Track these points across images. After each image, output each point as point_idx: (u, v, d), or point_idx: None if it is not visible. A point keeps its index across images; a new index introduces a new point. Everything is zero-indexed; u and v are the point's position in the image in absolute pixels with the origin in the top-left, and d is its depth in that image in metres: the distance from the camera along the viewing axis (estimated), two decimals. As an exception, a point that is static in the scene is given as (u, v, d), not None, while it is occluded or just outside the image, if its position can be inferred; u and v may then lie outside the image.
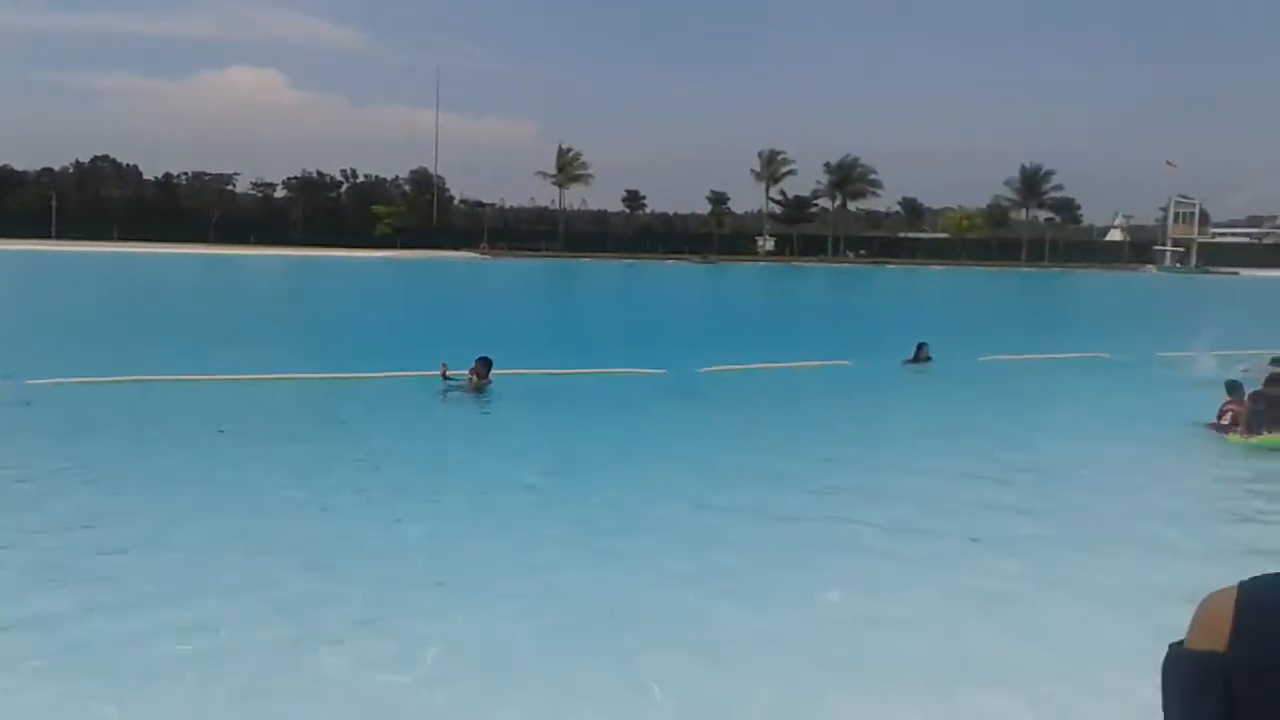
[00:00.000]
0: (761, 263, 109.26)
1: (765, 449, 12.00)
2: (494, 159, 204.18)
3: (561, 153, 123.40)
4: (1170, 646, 1.67)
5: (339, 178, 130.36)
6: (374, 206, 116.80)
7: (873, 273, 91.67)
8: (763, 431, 13.33)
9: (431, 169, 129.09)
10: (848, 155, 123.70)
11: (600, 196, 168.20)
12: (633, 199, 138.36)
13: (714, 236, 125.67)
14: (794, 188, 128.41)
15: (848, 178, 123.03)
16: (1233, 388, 13.06)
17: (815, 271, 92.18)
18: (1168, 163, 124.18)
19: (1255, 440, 11.71)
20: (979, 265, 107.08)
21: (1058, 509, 9.36)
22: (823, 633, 6.32)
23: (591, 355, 20.67)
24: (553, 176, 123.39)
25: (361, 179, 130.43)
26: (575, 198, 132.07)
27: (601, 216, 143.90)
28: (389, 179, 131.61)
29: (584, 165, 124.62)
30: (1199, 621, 1.63)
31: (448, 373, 15.06)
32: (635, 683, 5.47)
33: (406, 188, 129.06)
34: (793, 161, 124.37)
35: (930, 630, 6.31)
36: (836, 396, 16.79)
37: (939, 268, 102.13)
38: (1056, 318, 42.48)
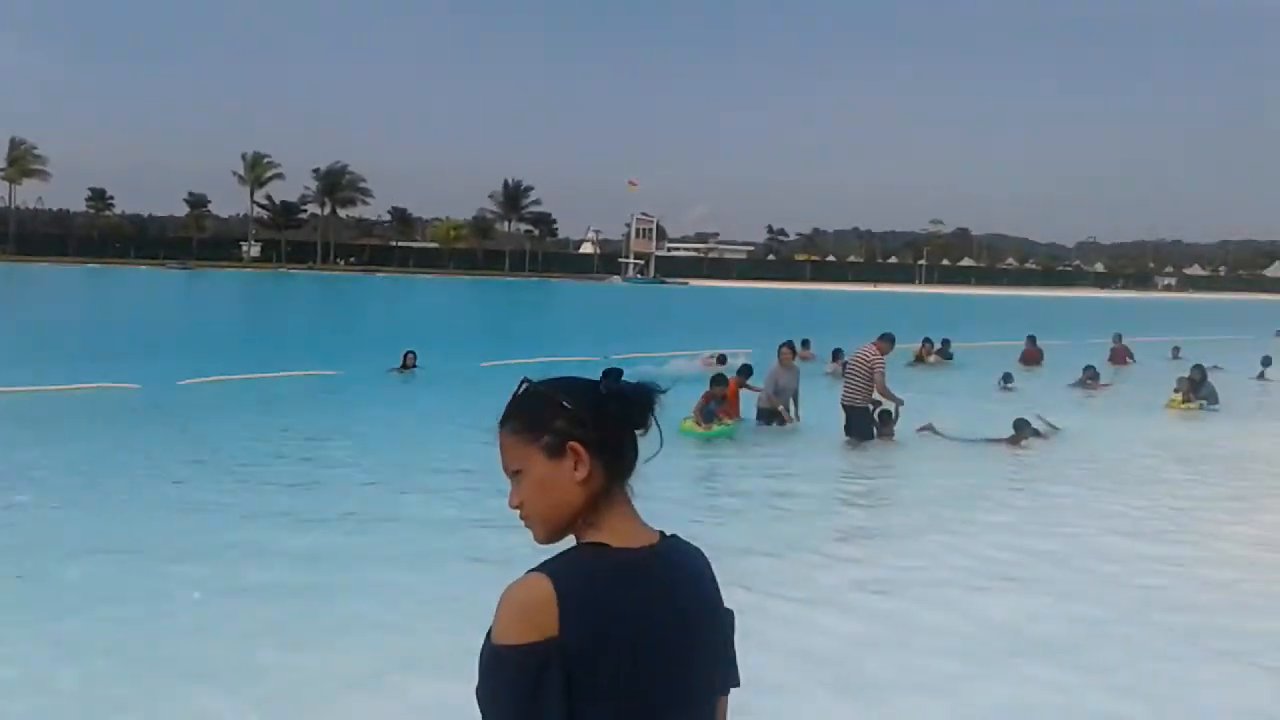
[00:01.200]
0: (248, 269, 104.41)
1: (230, 466, 11.37)
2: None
3: (13, 144, 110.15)
4: (486, 645, 1.61)
5: None
6: None
7: (363, 281, 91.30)
8: (238, 446, 12.79)
9: None
10: (336, 162, 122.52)
11: (60, 195, 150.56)
12: (98, 198, 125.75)
13: (193, 241, 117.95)
14: (282, 193, 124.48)
15: (337, 185, 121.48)
16: (717, 380, 14.95)
17: (304, 279, 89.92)
18: (630, 182, 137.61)
19: (699, 431, 13.60)
20: (466, 275, 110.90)
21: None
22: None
23: (50, 370, 18.53)
24: (1, 171, 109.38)
25: None
26: (29, 195, 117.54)
27: (62, 217, 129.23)
28: None
29: (39, 159, 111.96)
30: (517, 614, 1.59)
31: None
32: None
33: None
34: (279, 165, 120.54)
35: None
36: (319, 407, 16.73)
37: (428, 276, 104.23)
38: (547, 324, 45.09)
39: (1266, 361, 24.73)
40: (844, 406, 14.06)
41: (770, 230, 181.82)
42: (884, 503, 11.05)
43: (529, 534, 1.75)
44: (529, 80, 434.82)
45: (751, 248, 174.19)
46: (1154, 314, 60.40)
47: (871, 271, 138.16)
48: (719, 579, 1.81)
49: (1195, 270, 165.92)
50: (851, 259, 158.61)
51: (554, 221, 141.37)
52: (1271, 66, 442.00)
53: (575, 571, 1.64)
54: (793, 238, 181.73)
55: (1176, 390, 18.63)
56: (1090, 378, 21.67)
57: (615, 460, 1.72)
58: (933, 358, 25.80)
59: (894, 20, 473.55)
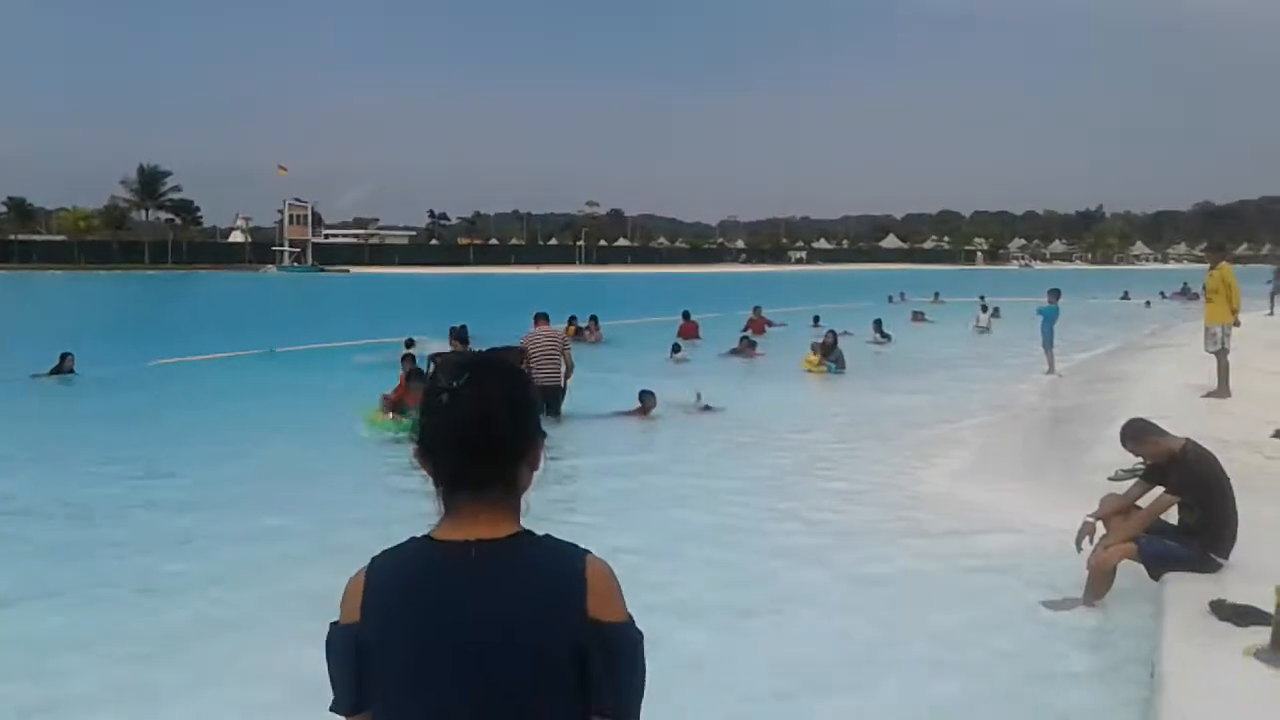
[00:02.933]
0: None
1: None
2: None
3: None
4: (330, 624, 1.78)
5: None
6: None
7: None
8: None
9: None
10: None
11: None
12: None
13: None
14: None
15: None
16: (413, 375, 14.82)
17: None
18: (280, 166, 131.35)
19: (381, 422, 13.41)
20: (101, 269, 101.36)
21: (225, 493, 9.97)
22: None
23: None
24: None
25: None
26: None
27: None
28: None
29: None
30: (344, 597, 1.77)
31: None
32: None
33: None
34: None
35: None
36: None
37: (59, 272, 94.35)
38: (202, 317, 42.27)
39: (878, 325, 28.09)
40: (541, 387, 14.68)
41: (432, 214, 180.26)
42: (595, 473, 11.63)
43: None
44: (163, 57, 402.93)
45: (414, 232, 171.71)
46: (789, 285, 65.90)
47: (534, 254, 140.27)
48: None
49: (822, 244, 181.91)
50: (514, 242, 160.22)
51: (198, 209, 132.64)
52: (898, 58, 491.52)
53: (388, 561, 1.77)
54: (455, 221, 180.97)
55: (814, 353, 20.85)
56: (748, 346, 23.80)
57: (458, 455, 1.75)
58: (595, 334, 27.07)
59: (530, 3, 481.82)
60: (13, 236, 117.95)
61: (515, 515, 1.78)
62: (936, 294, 47.15)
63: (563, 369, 14.69)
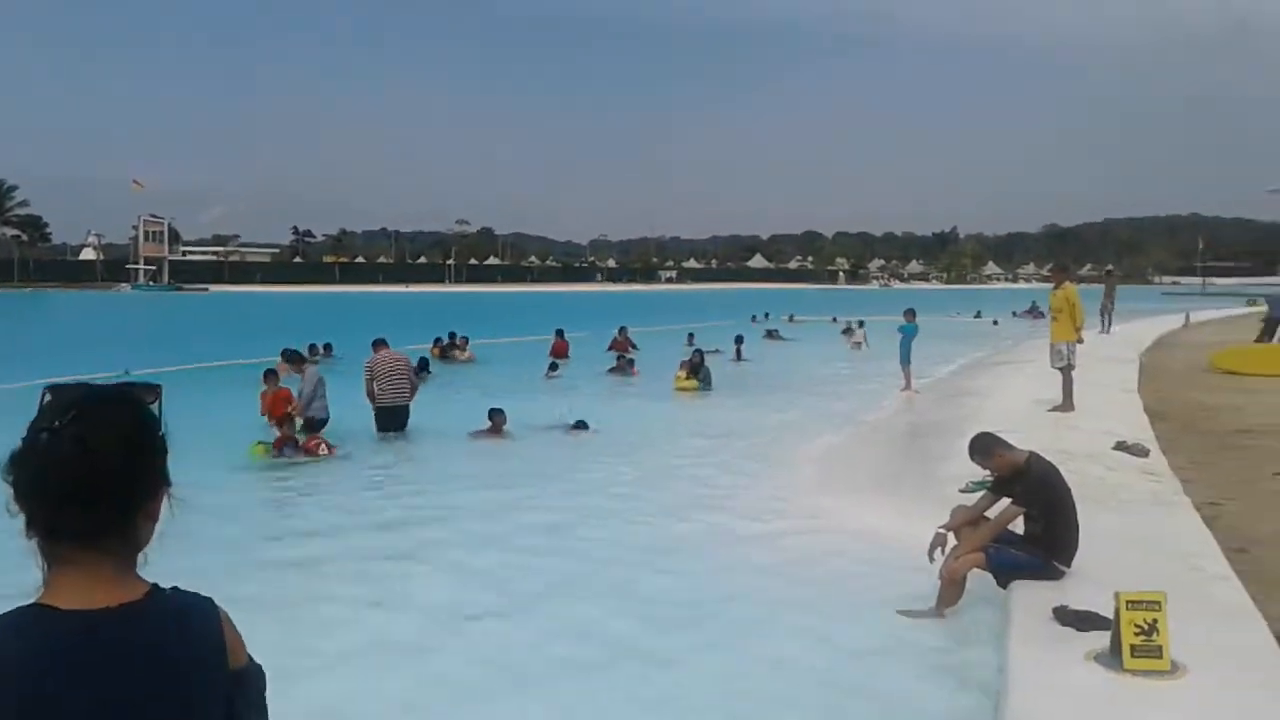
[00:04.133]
0: None
1: None
2: None
3: None
4: None
5: None
6: None
7: None
8: None
9: None
10: None
11: None
12: None
13: None
14: None
15: None
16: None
17: None
18: (135, 181, 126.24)
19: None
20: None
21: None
22: None
23: None
24: None
25: None
26: None
27: None
28: None
29: None
30: None
31: None
32: None
33: None
34: None
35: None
36: None
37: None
38: (51, 338, 40.06)
39: (739, 340, 28.78)
40: (392, 407, 14.91)
41: (296, 231, 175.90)
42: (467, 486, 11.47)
43: None
44: (5, 65, 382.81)
45: (276, 249, 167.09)
46: (661, 304, 66.53)
47: (402, 272, 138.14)
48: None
49: (692, 263, 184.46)
50: (382, 260, 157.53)
51: (46, 225, 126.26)
52: (765, 84, 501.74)
53: (2, 640, 1.51)
54: (320, 239, 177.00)
55: (682, 371, 21.09)
56: (627, 364, 23.97)
57: (54, 509, 1.54)
58: (465, 354, 26.82)
59: (411, 21, 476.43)
60: None
61: (135, 570, 1.61)
62: (791, 315, 48.48)
63: (408, 389, 15.11)
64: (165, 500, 1.65)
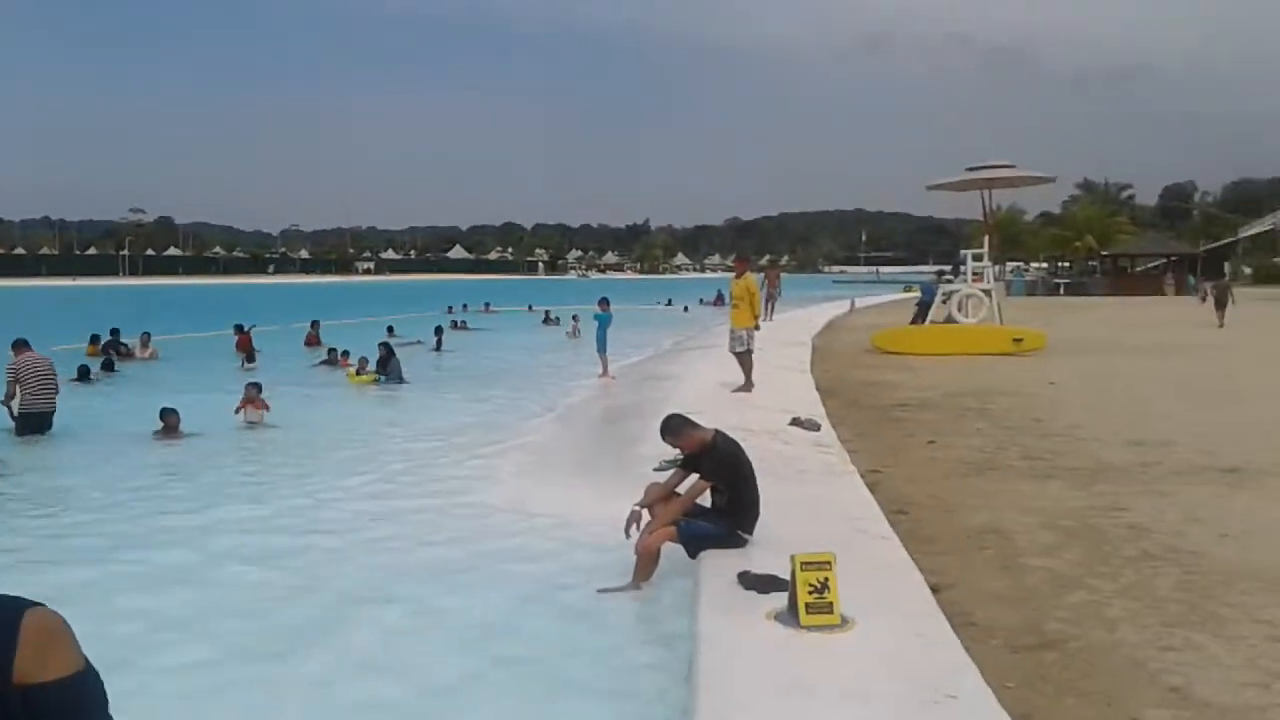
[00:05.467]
0: None
1: None
2: None
3: None
4: None
5: None
6: None
7: None
8: None
9: None
10: None
11: None
12: None
13: None
14: None
15: None
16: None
17: None
18: None
19: None
20: None
21: None
22: None
23: None
24: None
25: None
26: None
27: None
28: None
29: None
30: None
31: None
32: None
33: None
34: None
35: None
36: None
37: None
38: None
39: (438, 330, 28.81)
40: (41, 413, 14.13)
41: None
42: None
43: None
44: None
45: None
46: (357, 296, 64.61)
47: (69, 264, 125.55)
48: None
49: (390, 254, 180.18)
50: (45, 251, 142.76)
51: None
52: (464, 75, 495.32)
53: None
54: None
55: (357, 366, 20.95)
56: (340, 356, 22.82)
57: None
58: (146, 351, 24.91)
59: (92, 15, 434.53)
60: None
61: None
62: (487, 304, 48.88)
63: (55, 394, 14.38)
64: None
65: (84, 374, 19.79)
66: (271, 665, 6.05)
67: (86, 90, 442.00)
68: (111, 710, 1.56)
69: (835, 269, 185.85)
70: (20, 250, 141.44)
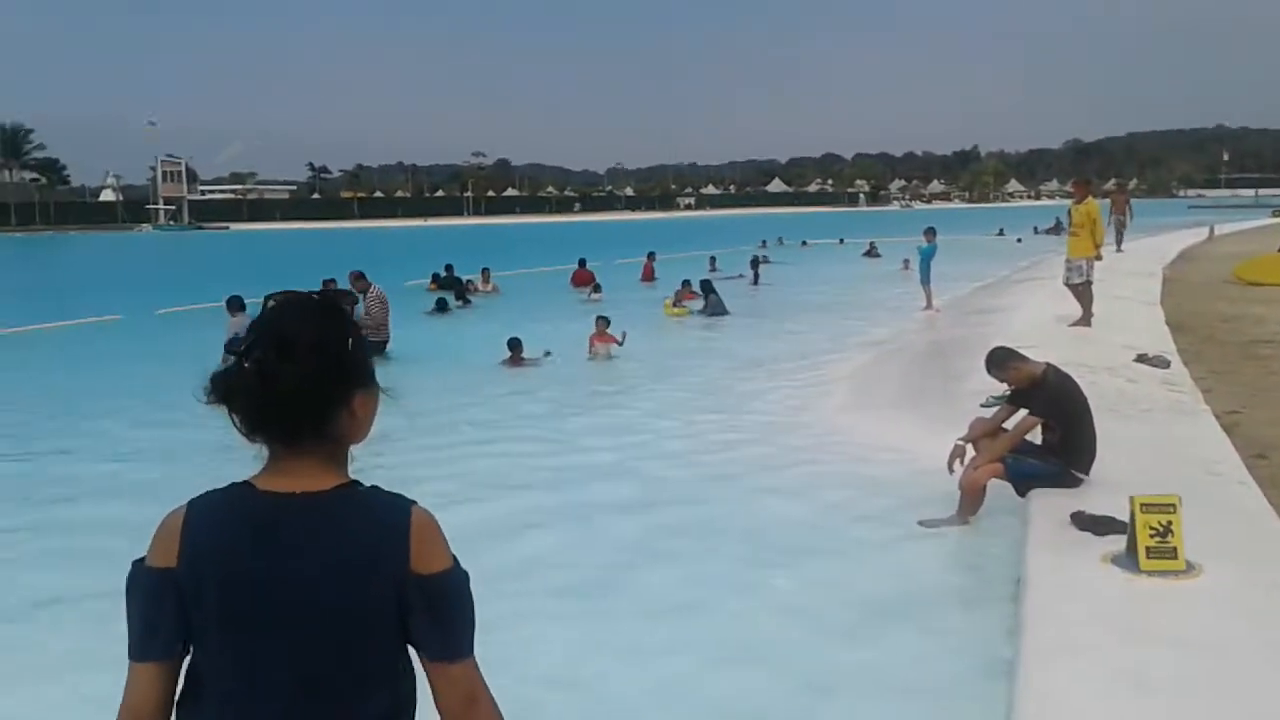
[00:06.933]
0: None
1: None
2: None
3: None
4: (134, 563, 1.74)
5: None
6: None
7: None
8: None
9: None
10: None
11: None
12: None
13: None
14: None
15: None
16: None
17: None
18: (149, 122, 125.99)
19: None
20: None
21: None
22: None
23: None
24: None
25: None
26: None
27: None
28: None
29: None
30: (158, 537, 1.72)
31: None
32: None
33: None
34: None
35: None
36: None
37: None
38: (78, 279, 40.26)
39: (755, 263, 29.08)
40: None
41: (312, 168, 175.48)
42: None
43: None
44: (18, 8, 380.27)
45: (294, 186, 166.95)
46: (678, 232, 66.21)
47: (420, 206, 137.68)
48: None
49: (710, 190, 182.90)
50: (399, 194, 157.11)
51: (64, 168, 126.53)
52: (775, 7, 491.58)
53: (208, 505, 1.74)
54: (336, 174, 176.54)
55: (674, 299, 21.49)
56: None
57: (251, 426, 1.72)
58: (488, 286, 26.82)
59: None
60: None
61: (338, 466, 1.76)
62: (804, 240, 48.92)
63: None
64: (372, 400, 1.79)
65: (441, 306, 22.08)
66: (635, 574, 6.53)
67: (436, 44, 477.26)
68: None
69: (1192, 193, 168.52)
70: (379, 194, 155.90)
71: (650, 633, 5.62)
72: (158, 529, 1.72)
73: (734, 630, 5.62)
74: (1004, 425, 7.08)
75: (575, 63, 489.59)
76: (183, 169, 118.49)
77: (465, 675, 1.75)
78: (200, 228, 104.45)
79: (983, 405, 8.98)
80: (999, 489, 6.91)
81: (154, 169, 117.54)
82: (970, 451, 7.05)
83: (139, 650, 1.72)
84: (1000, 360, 7.08)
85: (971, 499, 6.87)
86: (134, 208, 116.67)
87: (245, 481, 1.74)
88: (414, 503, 1.76)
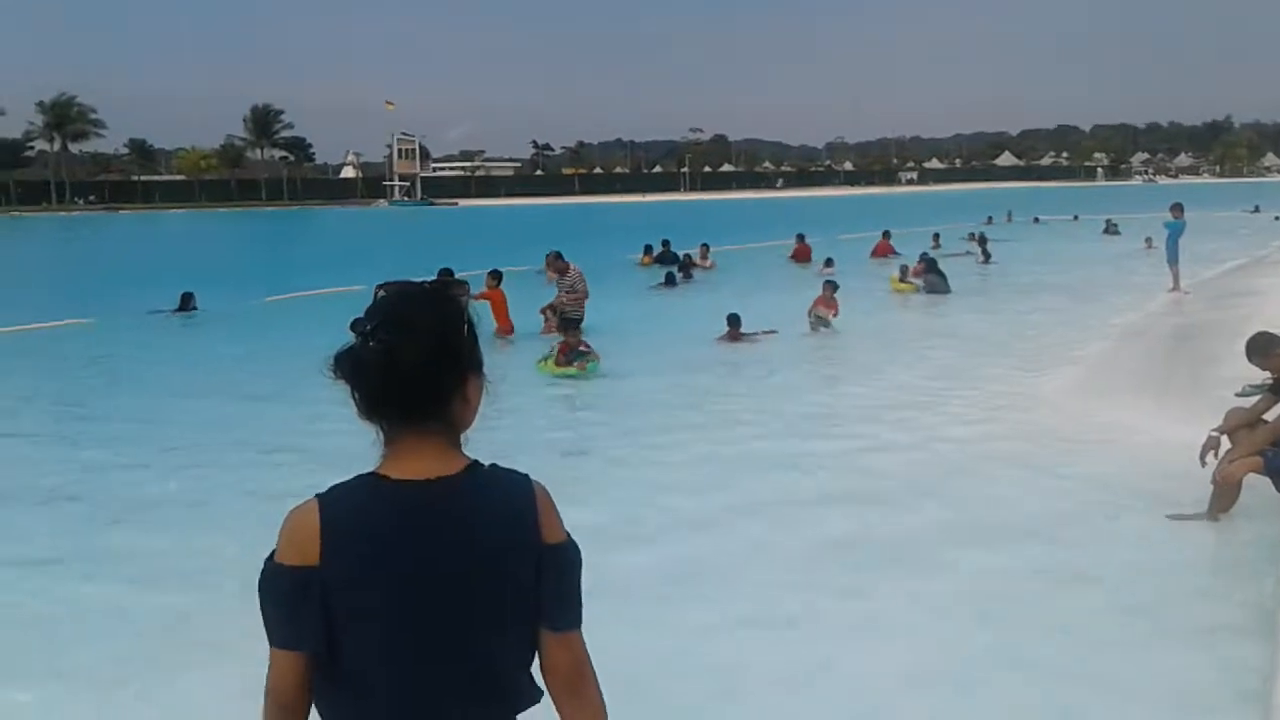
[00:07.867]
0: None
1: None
2: None
3: None
4: (266, 561, 1.75)
5: None
6: None
7: (108, 220, 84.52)
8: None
9: None
10: (62, 94, 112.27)
11: None
12: None
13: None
14: (2, 130, 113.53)
15: (65, 117, 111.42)
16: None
17: (41, 222, 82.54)
18: (387, 102, 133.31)
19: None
20: (220, 206, 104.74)
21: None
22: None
23: None
24: None
25: None
26: None
27: None
28: None
29: None
30: (290, 535, 1.72)
31: None
32: None
33: None
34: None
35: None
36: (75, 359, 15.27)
37: (179, 211, 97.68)
38: (321, 251, 43.17)
39: (982, 240, 28.22)
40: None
41: (536, 145, 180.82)
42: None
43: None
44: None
45: (518, 164, 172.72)
46: (899, 207, 64.50)
47: (638, 182, 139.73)
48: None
49: (934, 164, 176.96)
50: (618, 170, 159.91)
51: (310, 146, 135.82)
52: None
53: (343, 501, 1.74)
54: (558, 152, 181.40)
55: (899, 274, 21.13)
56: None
57: (372, 404, 1.75)
58: (706, 261, 26.99)
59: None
60: (136, 177, 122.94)
61: (458, 448, 1.80)
62: (1036, 217, 46.93)
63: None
64: (481, 386, 1.82)
65: (670, 280, 22.77)
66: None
67: (642, 21, 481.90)
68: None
69: None
70: (598, 170, 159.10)
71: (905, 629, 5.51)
72: (288, 527, 1.74)
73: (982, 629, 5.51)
74: (1264, 417, 6.60)
75: (793, 37, 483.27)
76: (416, 146, 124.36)
77: (580, 644, 1.83)
78: (431, 203, 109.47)
79: (1239, 394, 8.41)
80: (1256, 485, 6.45)
81: (390, 147, 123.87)
82: (1226, 443, 6.61)
83: (279, 639, 1.74)
84: (1263, 346, 6.60)
85: (1226, 494, 6.44)
86: (372, 184, 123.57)
87: (373, 473, 1.77)
88: (528, 476, 1.84)
